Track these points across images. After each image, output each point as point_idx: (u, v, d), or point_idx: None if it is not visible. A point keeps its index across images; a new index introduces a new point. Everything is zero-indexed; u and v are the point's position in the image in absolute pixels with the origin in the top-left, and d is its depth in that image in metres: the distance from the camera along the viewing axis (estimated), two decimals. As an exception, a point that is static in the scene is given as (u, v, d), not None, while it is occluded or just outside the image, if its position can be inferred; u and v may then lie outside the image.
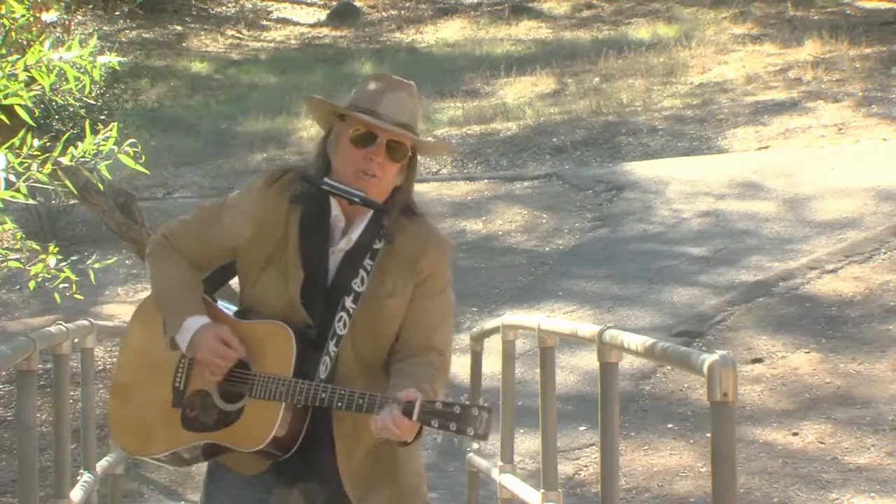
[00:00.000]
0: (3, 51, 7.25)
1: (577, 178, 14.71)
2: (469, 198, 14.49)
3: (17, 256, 8.09)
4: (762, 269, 11.18)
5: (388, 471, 3.60)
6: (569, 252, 12.50)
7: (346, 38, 25.02)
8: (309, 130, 17.56)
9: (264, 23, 26.77)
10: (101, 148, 6.43)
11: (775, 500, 7.66)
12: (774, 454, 8.23)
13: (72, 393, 7.27)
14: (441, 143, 3.77)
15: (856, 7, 22.32)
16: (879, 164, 13.46)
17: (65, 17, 14.48)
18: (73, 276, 7.44)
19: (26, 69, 6.17)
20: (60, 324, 5.65)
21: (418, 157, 3.63)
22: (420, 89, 3.67)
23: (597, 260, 12.09)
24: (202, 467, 3.76)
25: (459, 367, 9.91)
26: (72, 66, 6.18)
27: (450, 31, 24.61)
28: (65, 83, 6.36)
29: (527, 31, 24.08)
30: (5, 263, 8.06)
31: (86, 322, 6.36)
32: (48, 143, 6.59)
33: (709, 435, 3.51)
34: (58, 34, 11.57)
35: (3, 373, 9.71)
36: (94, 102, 13.65)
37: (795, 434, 8.47)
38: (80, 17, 23.12)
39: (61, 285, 7.50)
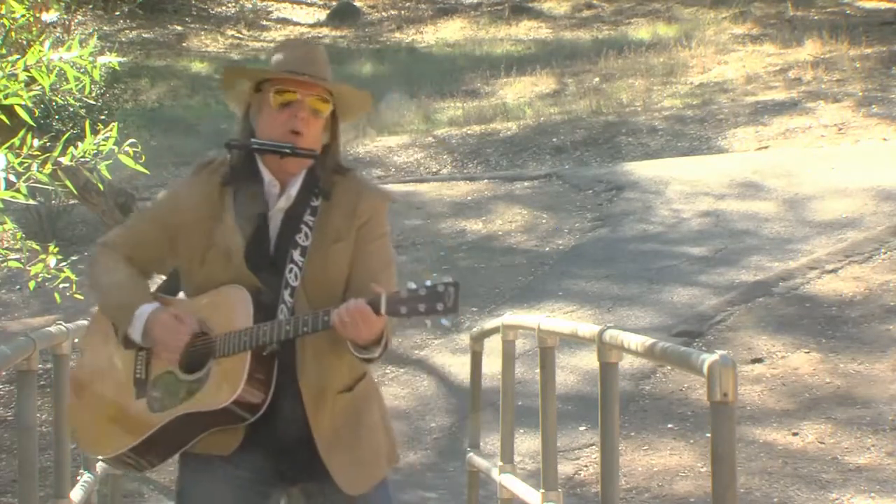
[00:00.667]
0: (3, 51, 7.26)
1: (577, 178, 14.72)
2: (469, 198, 14.49)
3: (17, 256, 8.09)
4: (762, 269, 11.18)
5: (353, 434, 3.61)
6: (569, 252, 12.49)
7: (346, 38, 25.03)
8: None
9: (264, 23, 26.78)
10: (101, 148, 6.44)
11: (775, 500, 7.66)
12: (774, 454, 8.23)
13: (72, 393, 7.26)
14: (357, 91, 3.79)
15: (856, 7, 22.33)
16: (879, 164, 13.46)
17: (65, 17, 14.49)
18: (73, 276, 7.44)
19: (26, 69, 6.17)
20: (60, 324, 5.64)
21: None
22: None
23: (597, 260, 12.09)
24: None
25: (460, 367, 9.93)
26: (72, 66, 6.18)
27: (450, 31, 24.62)
28: (65, 83, 6.37)
29: (527, 31, 24.10)
30: (5, 263, 8.06)
31: (86, 322, 6.36)
32: (48, 143, 6.60)
33: (709, 435, 3.51)
34: (58, 34, 11.58)
35: (3, 373, 9.71)
36: (94, 102, 13.65)
37: (795, 434, 8.47)
38: (80, 17, 23.13)
39: (61, 285, 7.51)
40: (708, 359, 3.48)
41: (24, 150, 6.22)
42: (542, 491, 5.58)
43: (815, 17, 21.57)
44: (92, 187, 9.40)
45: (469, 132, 17.22)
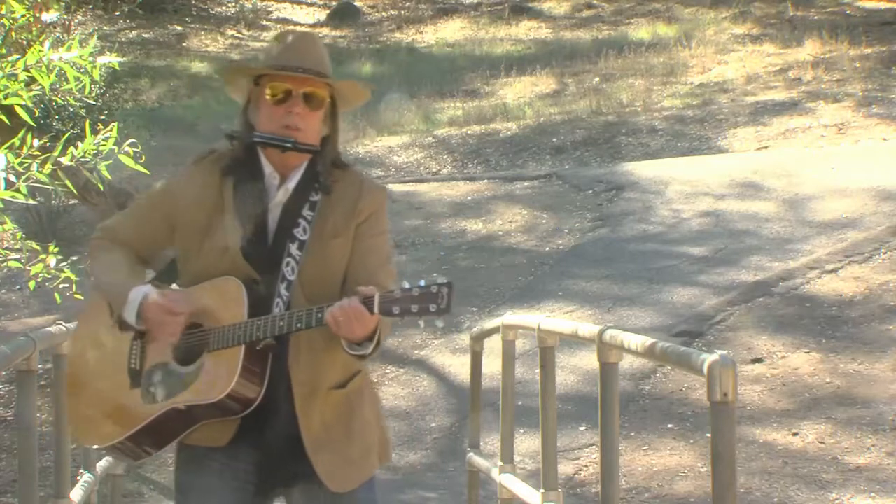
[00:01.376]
0: (3, 51, 7.25)
1: (577, 178, 14.71)
2: (469, 198, 14.49)
3: (17, 256, 8.10)
4: (762, 269, 11.17)
5: (345, 431, 3.61)
6: (569, 252, 12.49)
7: (346, 38, 25.02)
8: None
9: (264, 23, 26.77)
10: (101, 148, 6.43)
11: (775, 500, 7.66)
12: (774, 454, 8.23)
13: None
14: (354, 83, 3.79)
15: (856, 7, 22.32)
16: (879, 164, 13.46)
17: (65, 17, 14.49)
18: (73, 276, 7.44)
19: (26, 69, 6.17)
20: (60, 324, 5.64)
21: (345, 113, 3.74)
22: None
23: (597, 260, 12.09)
24: None
25: (459, 367, 9.93)
26: (72, 66, 6.18)
27: (450, 31, 24.62)
28: (65, 83, 6.36)
29: (527, 31, 24.09)
30: (5, 263, 8.07)
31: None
32: (48, 143, 6.59)
33: (709, 435, 3.51)
34: (58, 34, 11.58)
35: (3, 373, 9.71)
36: (94, 102, 13.63)
37: (795, 434, 8.47)
38: (80, 17, 23.13)
39: (61, 285, 7.50)
40: (708, 359, 3.48)
41: (24, 150, 6.22)
42: (542, 491, 5.58)
43: (815, 17, 21.56)
44: (92, 187, 9.40)
45: (469, 132, 17.22)
